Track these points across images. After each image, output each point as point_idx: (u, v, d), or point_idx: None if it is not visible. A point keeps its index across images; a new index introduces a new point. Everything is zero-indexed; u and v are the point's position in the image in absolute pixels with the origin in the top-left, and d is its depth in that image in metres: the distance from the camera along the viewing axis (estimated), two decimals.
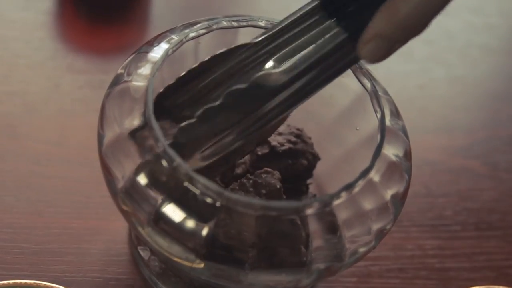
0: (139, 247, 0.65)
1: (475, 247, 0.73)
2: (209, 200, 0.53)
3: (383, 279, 0.70)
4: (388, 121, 0.58)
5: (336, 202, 0.54)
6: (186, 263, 0.55)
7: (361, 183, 0.55)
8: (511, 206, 0.76)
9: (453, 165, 0.78)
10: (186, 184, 0.53)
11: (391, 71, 0.83)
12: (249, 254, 0.54)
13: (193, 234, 0.54)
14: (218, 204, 0.53)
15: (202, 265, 0.54)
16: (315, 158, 0.64)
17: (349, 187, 0.54)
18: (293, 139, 0.63)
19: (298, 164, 0.63)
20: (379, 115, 0.58)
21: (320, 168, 0.65)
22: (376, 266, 0.70)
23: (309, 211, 0.53)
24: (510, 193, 0.77)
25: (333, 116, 0.65)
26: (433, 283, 0.69)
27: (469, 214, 0.75)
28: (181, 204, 0.54)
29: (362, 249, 0.56)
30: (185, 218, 0.54)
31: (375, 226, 0.56)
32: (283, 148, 0.62)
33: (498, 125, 0.82)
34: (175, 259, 0.55)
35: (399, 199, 0.58)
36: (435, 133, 0.80)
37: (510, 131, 0.82)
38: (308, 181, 0.65)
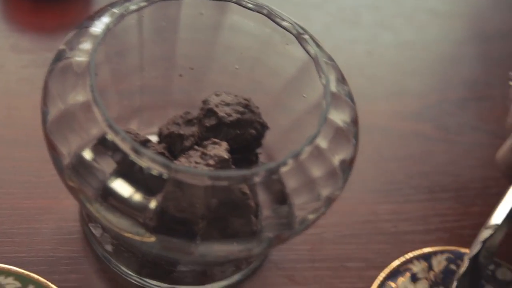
0: (90, 224, 0.65)
1: (428, 209, 0.74)
2: (156, 172, 0.53)
3: (337, 245, 0.70)
4: (333, 87, 0.58)
5: (284, 169, 0.54)
6: (136, 237, 0.54)
7: (307, 149, 0.55)
8: (463, 168, 0.77)
9: (405, 129, 0.78)
10: (132, 157, 0.53)
11: (338, 39, 0.83)
12: (199, 225, 0.54)
13: (142, 208, 0.53)
14: (165, 176, 0.52)
15: (152, 239, 0.54)
16: (264, 127, 0.64)
17: (295, 154, 0.54)
18: (240, 109, 0.63)
19: (246, 134, 0.63)
20: (324, 82, 0.58)
21: (269, 137, 0.65)
22: (329, 232, 0.70)
23: (257, 179, 0.53)
24: (462, 155, 0.78)
25: (280, 84, 0.64)
26: (387, 247, 0.70)
27: (421, 178, 0.75)
28: (129, 178, 0.53)
29: (311, 216, 0.56)
30: (133, 192, 0.53)
31: (324, 193, 0.56)
32: (230, 118, 0.62)
33: (448, 89, 0.83)
34: (125, 234, 0.54)
35: (348, 165, 0.58)
36: (386, 98, 0.80)
37: (460, 94, 0.83)
38: (258, 150, 0.65)
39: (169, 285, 0.64)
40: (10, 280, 0.60)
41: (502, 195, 0.66)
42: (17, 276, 0.60)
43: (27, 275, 0.60)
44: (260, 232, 0.55)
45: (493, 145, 0.78)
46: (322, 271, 0.68)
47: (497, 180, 0.76)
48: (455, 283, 0.64)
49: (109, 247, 0.64)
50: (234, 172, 0.54)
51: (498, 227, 0.63)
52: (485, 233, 0.63)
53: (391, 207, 0.73)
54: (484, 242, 0.63)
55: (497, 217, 0.64)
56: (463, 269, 0.64)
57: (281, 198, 0.55)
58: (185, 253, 0.55)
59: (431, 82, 0.83)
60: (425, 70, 0.83)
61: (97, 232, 0.65)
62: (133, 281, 0.64)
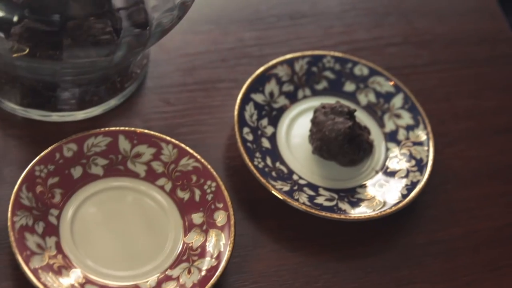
0: None
1: (290, 34, 0.79)
2: None
3: (207, 70, 0.75)
4: None
5: None
6: (8, 55, 0.59)
7: None
8: None
9: None
10: None
11: None
12: (64, 36, 0.59)
13: (7, 22, 0.58)
14: None
15: (24, 52, 0.59)
16: None
17: None
18: None
19: None
20: None
21: None
22: (199, 60, 0.76)
23: None
24: None
25: None
26: (254, 68, 0.75)
27: (282, 7, 0.81)
28: None
29: (166, 20, 0.61)
30: None
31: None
32: None
33: None
34: None
35: None
36: None
37: None
38: None
39: (50, 112, 0.68)
40: None
41: None
42: None
43: None
44: (121, 38, 0.60)
45: None
46: (195, 92, 0.74)
47: (354, 4, 0.83)
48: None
49: None
50: None
51: None
52: None
53: (255, 34, 0.79)
54: None
55: None
56: None
57: (135, 2, 0.60)
58: (54, 60, 0.59)
59: None
60: None
61: None
62: (18, 114, 0.69)
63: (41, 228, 0.62)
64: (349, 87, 0.74)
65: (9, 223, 0.60)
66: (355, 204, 0.67)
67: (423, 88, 0.77)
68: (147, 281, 0.61)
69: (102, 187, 0.65)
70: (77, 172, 0.65)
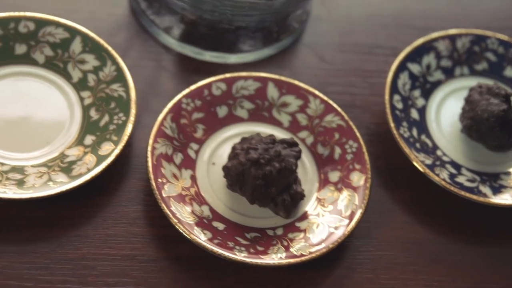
0: None
1: (457, 10, 0.77)
2: None
3: (367, 34, 0.75)
4: None
5: None
6: None
7: None
8: None
9: None
10: None
11: None
12: None
13: None
14: None
15: None
16: None
17: None
18: None
19: None
20: None
21: None
22: (360, 23, 0.75)
23: None
24: None
25: None
26: (413, 38, 0.73)
27: None
28: None
29: None
30: None
31: None
32: None
33: None
34: None
35: None
36: None
37: None
38: None
39: (204, 51, 0.69)
40: (60, 30, 0.66)
41: None
42: (66, 28, 0.66)
43: (75, 27, 0.66)
44: None
45: None
46: (351, 54, 0.73)
47: None
48: None
49: (154, 15, 0.69)
50: None
51: None
52: None
53: (422, 6, 0.77)
54: None
55: None
56: None
57: None
58: None
59: None
60: None
61: (142, 3, 0.70)
62: (173, 48, 0.70)
63: (179, 159, 0.62)
64: (510, 72, 0.72)
65: (149, 149, 0.61)
66: (497, 190, 0.65)
67: None
68: (274, 229, 0.61)
69: (244, 130, 0.65)
70: (222, 111, 0.65)
